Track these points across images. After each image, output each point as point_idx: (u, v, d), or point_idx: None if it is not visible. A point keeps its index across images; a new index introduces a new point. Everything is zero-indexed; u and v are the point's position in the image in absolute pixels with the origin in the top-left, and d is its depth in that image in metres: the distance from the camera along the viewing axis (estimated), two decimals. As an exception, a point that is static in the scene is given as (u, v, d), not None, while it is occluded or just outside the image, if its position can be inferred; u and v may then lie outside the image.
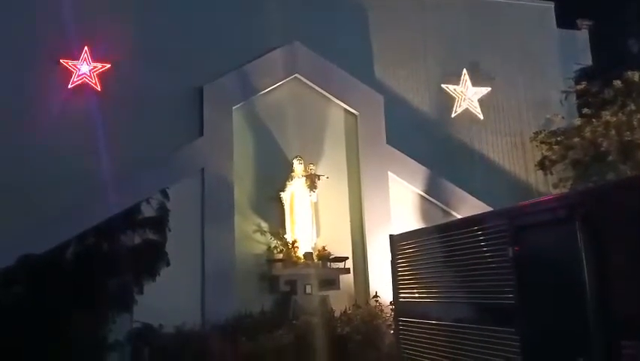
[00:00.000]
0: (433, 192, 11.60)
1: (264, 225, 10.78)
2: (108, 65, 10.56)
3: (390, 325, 9.17)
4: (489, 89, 12.90)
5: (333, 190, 11.14)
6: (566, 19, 14.16)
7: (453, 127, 12.70)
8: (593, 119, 11.46)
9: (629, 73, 11.39)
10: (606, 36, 14.37)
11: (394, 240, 8.24)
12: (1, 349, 7.53)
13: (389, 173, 11.42)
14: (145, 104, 10.42)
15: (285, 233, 10.65)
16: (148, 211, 9.55)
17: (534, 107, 13.12)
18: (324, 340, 8.86)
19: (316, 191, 10.76)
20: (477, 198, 11.38)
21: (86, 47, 10.46)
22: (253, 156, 11.03)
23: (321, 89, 11.60)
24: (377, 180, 11.32)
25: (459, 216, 10.72)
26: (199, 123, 10.78)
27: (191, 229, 10.10)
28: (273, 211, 10.81)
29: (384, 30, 12.47)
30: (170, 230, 9.42)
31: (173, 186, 9.87)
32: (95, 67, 10.51)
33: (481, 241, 6.15)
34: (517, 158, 13.02)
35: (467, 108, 12.82)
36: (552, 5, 14.02)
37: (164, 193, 9.66)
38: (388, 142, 11.57)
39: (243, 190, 10.74)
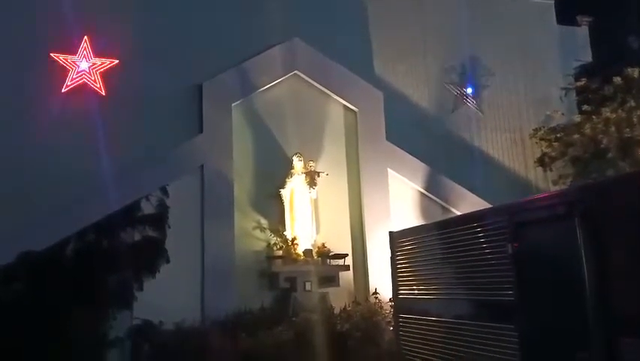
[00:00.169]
0: (432, 189, 11.60)
1: (264, 222, 10.78)
2: (108, 62, 10.53)
3: (389, 321, 9.15)
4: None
5: (333, 187, 11.14)
6: (566, 15, 14.14)
7: (453, 124, 12.70)
8: (593, 116, 11.46)
9: (629, 69, 11.40)
10: (606, 32, 14.36)
11: (394, 236, 8.23)
12: (2, 346, 7.54)
13: (389, 169, 11.42)
14: (144, 101, 10.38)
15: (284, 230, 10.65)
16: (148, 208, 9.57)
17: (534, 103, 13.11)
18: (324, 337, 8.84)
19: (316, 188, 10.77)
20: (476, 194, 11.38)
21: (85, 45, 10.44)
22: (253, 153, 11.02)
23: (321, 85, 11.58)
24: (377, 177, 11.33)
25: (458, 213, 10.72)
26: (198, 120, 10.76)
27: (191, 225, 10.10)
28: (272, 208, 10.81)
29: (384, 26, 12.44)
30: (169, 227, 9.45)
31: (172, 183, 9.88)
32: (94, 64, 10.49)
33: (481, 237, 6.14)
34: (516, 154, 13.02)
35: (467, 105, 12.82)
36: (552, 1, 13.99)
37: (164, 190, 9.68)
38: (388, 139, 11.57)
39: (242, 187, 10.74)
